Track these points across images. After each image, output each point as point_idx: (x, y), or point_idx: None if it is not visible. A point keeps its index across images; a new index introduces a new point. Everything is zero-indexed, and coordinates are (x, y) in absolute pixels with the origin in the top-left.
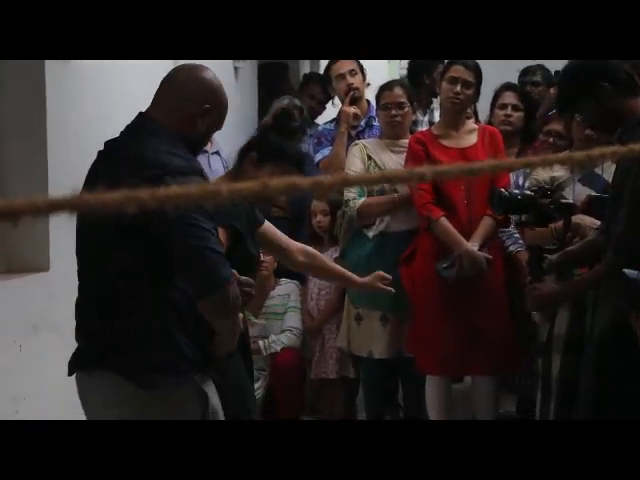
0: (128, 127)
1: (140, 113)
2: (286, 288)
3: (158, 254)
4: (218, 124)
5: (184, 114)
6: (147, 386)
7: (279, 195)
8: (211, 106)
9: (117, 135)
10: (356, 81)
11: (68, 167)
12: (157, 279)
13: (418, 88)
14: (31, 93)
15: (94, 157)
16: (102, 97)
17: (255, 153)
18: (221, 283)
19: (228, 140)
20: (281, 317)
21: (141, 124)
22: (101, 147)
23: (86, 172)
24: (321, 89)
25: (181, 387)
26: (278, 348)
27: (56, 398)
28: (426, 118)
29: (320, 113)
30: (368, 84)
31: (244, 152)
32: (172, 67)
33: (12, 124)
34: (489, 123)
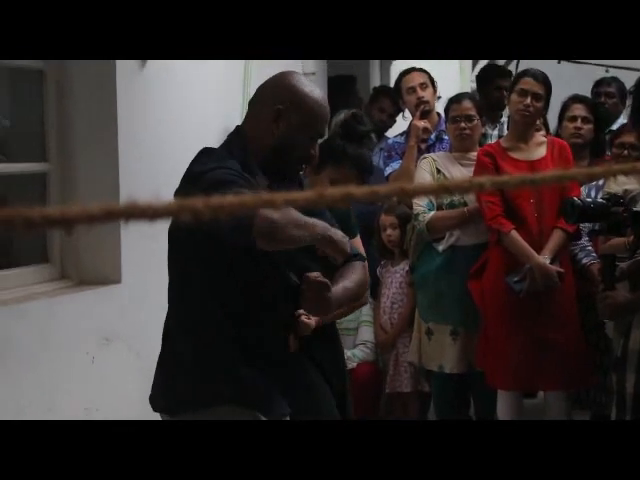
0: None
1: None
2: None
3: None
4: (303, 130)
5: (259, 120)
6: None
7: (335, 204)
8: (284, 107)
9: (185, 139)
10: (427, 94)
11: (139, 171)
12: (235, 310)
13: (487, 101)
14: (102, 97)
15: (164, 160)
16: (172, 101)
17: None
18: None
19: None
20: (353, 332)
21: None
22: (170, 150)
23: (156, 176)
24: (391, 102)
25: (238, 413)
26: (354, 363)
27: (127, 409)
28: (495, 132)
29: (390, 126)
30: (439, 97)
31: None
32: (242, 69)
33: (83, 128)
34: (557, 135)
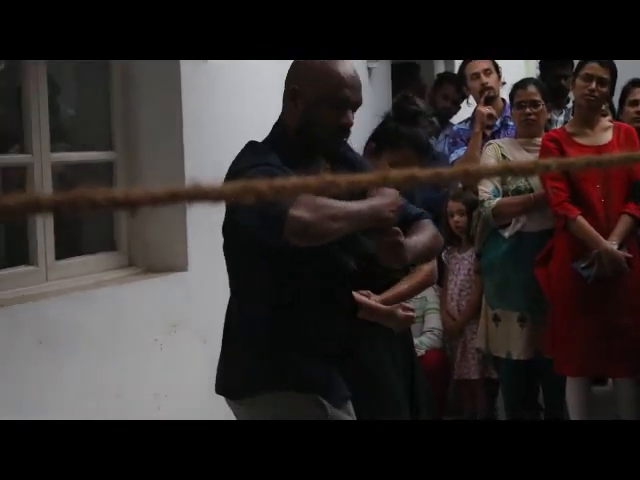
0: None
1: None
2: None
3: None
4: (324, 101)
5: (285, 107)
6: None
7: (399, 186)
8: (299, 85)
9: (248, 129)
10: (491, 80)
11: (204, 159)
12: (288, 300)
13: (552, 87)
14: (167, 86)
15: (228, 149)
16: (236, 90)
17: (374, 143)
18: (282, 215)
19: (363, 141)
20: (419, 320)
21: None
22: (234, 140)
23: (221, 165)
24: (455, 89)
25: (300, 398)
26: (422, 351)
27: (196, 395)
28: (561, 117)
29: (454, 113)
30: (503, 83)
31: (366, 144)
32: None
33: (149, 117)
34: (618, 120)
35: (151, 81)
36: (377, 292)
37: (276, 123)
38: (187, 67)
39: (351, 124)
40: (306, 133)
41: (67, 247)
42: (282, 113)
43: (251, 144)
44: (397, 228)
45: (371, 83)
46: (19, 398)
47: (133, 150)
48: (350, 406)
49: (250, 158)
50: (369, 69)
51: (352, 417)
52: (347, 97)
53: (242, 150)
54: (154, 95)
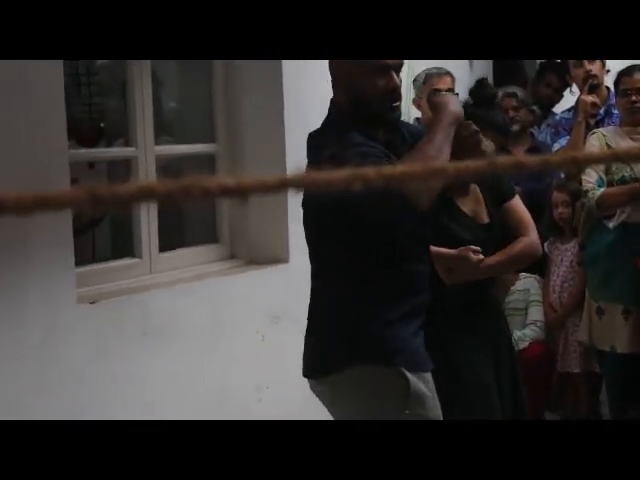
0: None
1: None
2: (525, 283)
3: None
4: (361, 71)
5: (334, 88)
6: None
7: (507, 172)
8: (342, 67)
9: None
10: (595, 68)
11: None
12: (376, 271)
13: None
14: (269, 78)
15: None
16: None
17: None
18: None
19: None
20: (522, 312)
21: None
22: None
23: None
24: (557, 77)
25: (383, 374)
26: (526, 343)
27: (297, 387)
28: None
29: (557, 101)
30: (608, 71)
31: None
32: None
33: (250, 109)
34: None
35: (253, 73)
36: None
37: (331, 107)
38: (288, 68)
39: (397, 85)
40: (360, 106)
41: (170, 239)
42: (333, 97)
43: (329, 123)
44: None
45: (472, 72)
46: (124, 388)
47: (235, 142)
48: (430, 377)
49: (341, 137)
50: (470, 63)
51: (430, 389)
52: (386, 61)
53: (323, 130)
54: (256, 87)
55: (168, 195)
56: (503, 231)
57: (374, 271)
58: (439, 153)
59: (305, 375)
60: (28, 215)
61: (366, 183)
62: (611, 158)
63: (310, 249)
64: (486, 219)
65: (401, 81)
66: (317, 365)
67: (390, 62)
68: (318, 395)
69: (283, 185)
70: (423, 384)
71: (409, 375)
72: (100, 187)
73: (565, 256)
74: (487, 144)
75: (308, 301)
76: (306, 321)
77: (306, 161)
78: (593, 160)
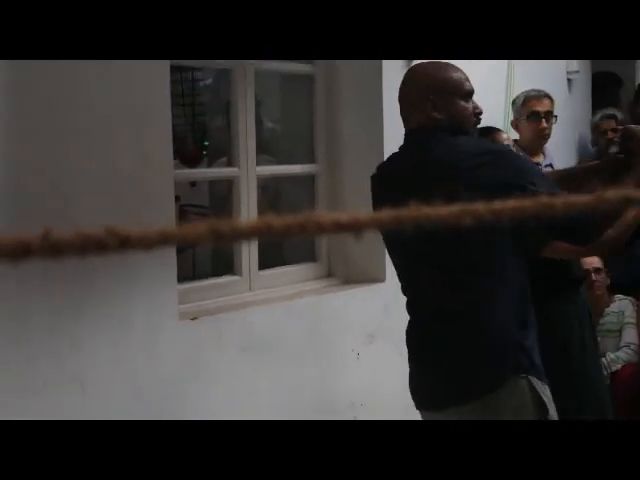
0: None
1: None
2: (620, 305)
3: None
4: (452, 101)
5: (428, 117)
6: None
7: (615, 207)
8: (435, 96)
9: None
10: None
11: None
12: (497, 283)
13: None
14: (369, 99)
15: None
16: None
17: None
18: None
19: (561, 153)
20: (616, 334)
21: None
22: None
23: None
24: None
25: (524, 392)
26: (619, 366)
27: (392, 405)
28: None
29: None
30: None
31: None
32: (505, 69)
33: (351, 130)
34: None
35: (353, 94)
36: None
37: (431, 133)
38: (389, 76)
39: (482, 111)
40: (459, 129)
41: (270, 258)
42: (413, 120)
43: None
44: None
45: (571, 94)
46: (223, 402)
47: (335, 163)
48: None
49: (527, 165)
50: (569, 80)
51: (551, 399)
52: (470, 88)
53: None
54: (356, 108)
55: (286, 231)
56: None
57: (514, 284)
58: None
59: (439, 407)
60: (152, 250)
61: (476, 218)
62: None
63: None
64: None
65: None
66: (452, 393)
67: (471, 88)
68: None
69: (397, 221)
70: (550, 403)
71: (544, 397)
72: (221, 223)
73: None
74: None
75: (404, 321)
76: (401, 341)
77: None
78: None
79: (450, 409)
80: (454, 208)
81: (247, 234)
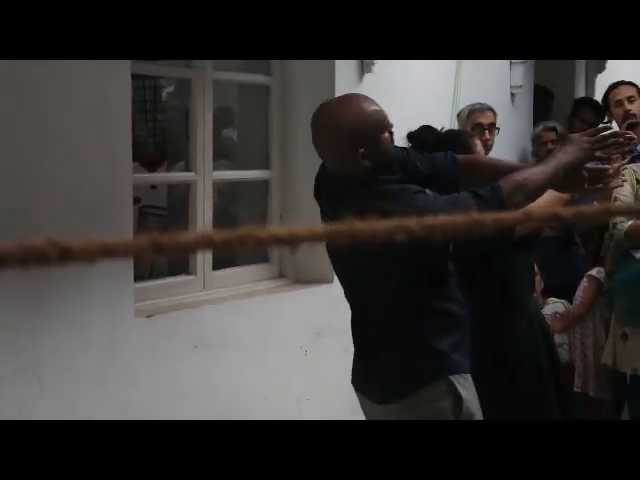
0: None
1: None
2: (553, 307)
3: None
4: (385, 140)
5: (356, 164)
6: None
7: (542, 223)
8: (365, 146)
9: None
10: (634, 107)
11: None
12: (422, 292)
13: None
14: (323, 91)
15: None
16: (389, 110)
17: None
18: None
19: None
20: None
21: None
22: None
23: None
24: (592, 112)
25: (435, 387)
26: None
27: (336, 399)
28: None
29: None
30: None
31: None
32: (453, 72)
33: (304, 138)
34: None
35: (306, 103)
36: None
37: (364, 179)
38: (341, 88)
39: (392, 141)
40: (387, 162)
41: (223, 258)
42: (346, 169)
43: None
44: None
45: (514, 108)
46: (174, 396)
47: (289, 170)
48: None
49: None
50: (512, 94)
51: (474, 392)
52: (389, 120)
53: (386, 187)
54: (309, 116)
55: (225, 244)
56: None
57: (437, 295)
58: (544, 181)
59: (377, 402)
60: (93, 263)
61: (409, 234)
62: None
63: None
64: None
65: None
66: (385, 391)
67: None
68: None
69: (332, 236)
70: (472, 398)
71: (462, 392)
72: (161, 236)
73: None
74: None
75: (348, 319)
76: (347, 338)
77: None
78: (625, 212)
79: (381, 405)
80: (388, 224)
81: (187, 247)
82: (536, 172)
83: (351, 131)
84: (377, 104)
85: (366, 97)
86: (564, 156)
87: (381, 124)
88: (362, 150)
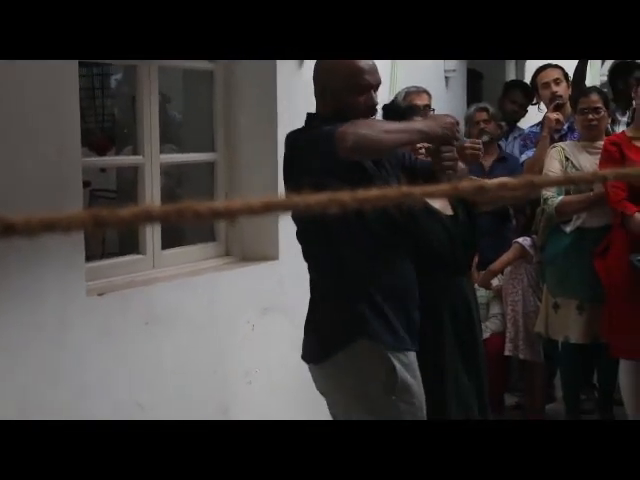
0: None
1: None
2: None
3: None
4: (346, 89)
5: (317, 100)
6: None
7: (470, 197)
8: (328, 82)
9: None
10: (560, 89)
11: None
12: (365, 261)
13: (618, 91)
14: (264, 94)
15: None
16: None
17: None
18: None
19: None
20: (483, 307)
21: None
22: None
23: None
24: (522, 94)
25: (369, 356)
26: (488, 334)
27: (284, 372)
28: (625, 118)
29: (522, 116)
30: None
31: None
32: (389, 69)
33: (247, 122)
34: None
35: (249, 88)
36: None
37: (310, 117)
38: (282, 74)
39: (376, 103)
40: (340, 120)
41: (172, 238)
42: (316, 108)
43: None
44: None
45: (448, 91)
46: (127, 370)
47: (233, 152)
48: (413, 358)
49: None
50: (446, 78)
51: (413, 371)
52: (367, 82)
53: (300, 136)
54: (252, 101)
55: (165, 217)
56: (470, 221)
57: (356, 259)
58: (386, 134)
59: (305, 360)
60: (37, 237)
61: (342, 206)
62: (565, 182)
63: (303, 245)
64: (450, 211)
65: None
66: (314, 351)
67: (371, 82)
68: (315, 382)
69: (267, 208)
70: (406, 369)
71: (395, 363)
72: (103, 210)
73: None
74: (461, 169)
75: (295, 295)
76: (293, 313)
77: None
78: (550, 183)
79: (315, 364)
80: (321, 197)
81: (127, 221)
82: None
83: (330, 68)
84: (374, 67)
85: (358, 61)
86: (419, 123)
87: (349, 80)
88: (326, 93)
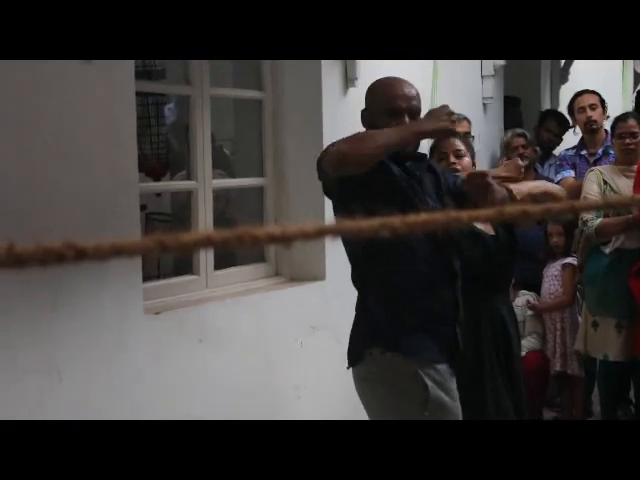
0: None
1: None
2: (524, 299)
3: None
4: (380, 113)
5: (364, 121)
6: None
7: (514, 221)
8: (367, 107)
9: None
10: (595, 114)
11: None
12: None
13: None
14: (310, 121)
15: None
16: None
17: None
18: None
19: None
20: (520, 325)
21: None
22: None
23: None
24: (557, 123)
25: (404, 377)
26: (524, 352)
27: (331, 386)
28: None
29: (557, 144)
30: (608, 116)
31: None
32: (430, 76)
33: (295, 148)
34: None
35: (296, 115)
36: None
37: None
38: (328, 102)
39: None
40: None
41: (224, 259)
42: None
43: None
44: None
45: (486, 116)
46: (182, 387)
47: (281, 177)
48: (448, 376)
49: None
50: (484, 105)
51: (447, 386)
52: (400, 107)
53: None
54: (299, 127)
55: (224, 243)
56: (510, 242)
57: (390, 274)
58: (376, 140)
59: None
60: (105, 261)
61: (392, 231)
62: (604, 206)
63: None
64: (492, 232)
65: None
66: (349, 356)
67: (404, 107)
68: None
69: (321, 233)
70: (440, 387)
71: (427, 381)
72: (166, 237)
73: (551, 271)
74: (499, 192)
75: (341, 314)
76: (339, 331)
77: None
78: (589, 207)
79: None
80: (373, 222)
81: (189, 246)
82: (380, 133)
83: (372, 89)
84: (412, 94)
85: (396, 83)
86: (413, 122)
87: (383, 103)
88: (365, 113)
